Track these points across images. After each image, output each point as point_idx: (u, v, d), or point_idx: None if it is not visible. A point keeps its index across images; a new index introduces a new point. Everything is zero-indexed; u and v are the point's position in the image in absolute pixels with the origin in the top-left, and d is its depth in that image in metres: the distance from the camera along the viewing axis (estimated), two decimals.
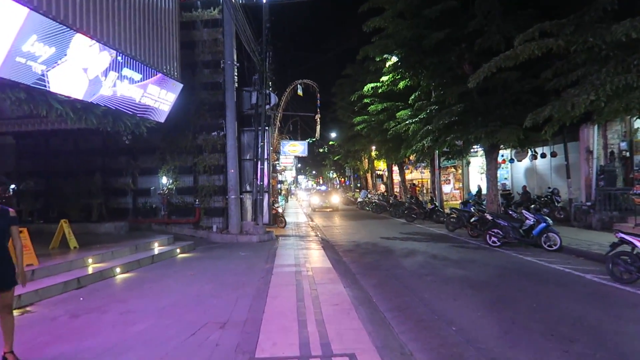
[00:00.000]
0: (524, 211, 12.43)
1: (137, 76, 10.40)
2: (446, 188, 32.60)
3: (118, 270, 8.87)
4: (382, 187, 43.10)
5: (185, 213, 14.86)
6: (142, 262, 9.80)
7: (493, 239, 12.36)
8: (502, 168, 23.09)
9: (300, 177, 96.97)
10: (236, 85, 14.86)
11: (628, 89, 8.90)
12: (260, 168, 14.36)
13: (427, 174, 40.60)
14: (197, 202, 14.69)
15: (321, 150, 72.08)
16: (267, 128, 15.38)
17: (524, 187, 19.99)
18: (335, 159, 50.96)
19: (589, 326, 5.59)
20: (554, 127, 11.05)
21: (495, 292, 7.43)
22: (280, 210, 15.91)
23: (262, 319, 5.69)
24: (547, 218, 11.88)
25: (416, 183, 36.63)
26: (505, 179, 23.01)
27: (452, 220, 16.68)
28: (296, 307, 6.21)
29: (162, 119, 11.98)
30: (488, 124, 15.67)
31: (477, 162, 25.88)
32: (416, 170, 39.18)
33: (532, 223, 12.01)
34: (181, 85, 12.22)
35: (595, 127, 16.73)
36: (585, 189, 17.27)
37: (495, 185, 18.16)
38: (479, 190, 24.96)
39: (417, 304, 6.80)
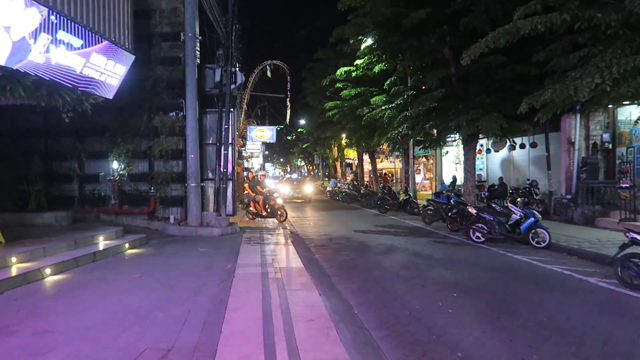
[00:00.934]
0: (509, 205, 11.55)
1: (77, 42, 8.81)
2: (416, 178, 31.83)
3: (48, 271, 7.40)
4: (350, 176, 42.23)
5: (139, 202, 13.33)
6: (81, 261, 8.33)
7: (477, 234, 11.44)
8: (478, 158, 22.37)
9: (268, 165, 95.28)
10: (198, 61, 13.34)
11: (636, 72, 8.02)
12: (224, 153, 12.97)
13: (397, 164, 40.12)
14: (152, 191, 13.18)
15: (289, 137, 70.69)
16: (232, 110, 13.94)
17: (501, 178, 19.27)
18: (304, 146, 49.68)
19: (628, 352, 4.61)
20: (548, 114, 10.14)
21: (493, 300, 6.41)
22: (279, 201, 14.77)
23: (217, 343, 4.44)
24: (536, 212, 11.03)
25: (387, 173, 35.87)
26: (481, 169, 22.33)
27: (429, 212, 15.76)
28: (262, 324, 4.98)
29: (109, 95, 10.42)
30: (469, 112, 14.75)
31: (452, 152, 25.15)
32: (387, 159, 38.48)
33: (518, 218, 11.14)
34: (133, 57, 10.66)
35: (578, 117, 16.07)
36: (565, 182, 16.65)
37: (473, 176, 17.40)
38: (454, 180, 24.27)
39: (408, 317, 5.68)
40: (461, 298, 6.54)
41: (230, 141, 13.79)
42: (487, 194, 20.81)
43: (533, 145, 17.38)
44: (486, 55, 14.40)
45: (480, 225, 11.40)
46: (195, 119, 12.76)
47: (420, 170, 33.22)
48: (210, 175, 13.94)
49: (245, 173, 24.25)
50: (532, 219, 10.76)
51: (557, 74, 11.62)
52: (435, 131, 18.29)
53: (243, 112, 21.36)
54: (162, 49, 13.26)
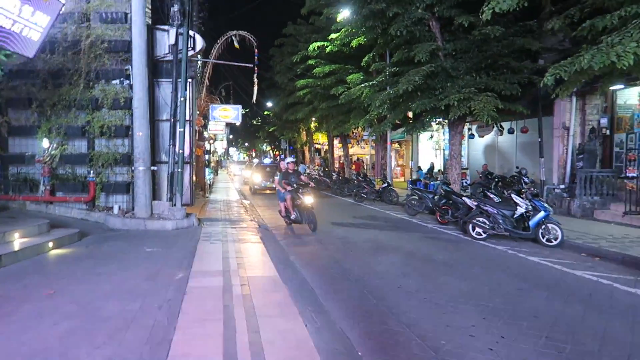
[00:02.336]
0: (514, 196, 10.00)
1: None
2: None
3: None
4: (318, 162, 40.44)
5: (76, 189, 11.07)
6: None
7: (477, 229, 9.86)
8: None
9: (232, 150, 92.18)
10: (149, 21, 11.13)
11: None
12: (180, 131, 10.87)
13: (368, 149, 38.54)
14: (91, 175, 10.95)
15: (255, 121, 68.14)
16: (190, 80, 11.82)
17: (485, 166, 17.92)
18: (270, 130, 47.38)
19: None
20: (568, 90, 8.60)
21: (538, 327, 4.74)
22: (308, 201, 12.63)
23: None
24: (547, 205, 9.53)
25: (360, 158, 34.28)
26: (461, 156, 20.88)
27: (412, 202, 14.14)
28: None
29: (29, 52, 8.16)
30: (460, 90, 13.13)
31: (427, 137, 23.57)
32: (358, 144, 36.85)
33: (524, 211, 9.63)
34: (60, 5, 8.40)
35: (574, 100, 14.75)
36: (558, 170, 15.37)
37: (459, 163, 15.90)
38: (431, 167, 22.88)
39: None
40: (494, 323, 4.86)
41: (187, 117, 11.71)
42: (468, 182, 19.49)
43: (524, 130, 16.00)
44: (482, 26, 12.86)
45: (481, 219, 9.81)
46: (145, 89, 10.57)
47: (391, 156, 31.71)
48: (164, 157, 11.82)
49: (206, 157, 22.05)
50: (543, 212, 9.25)
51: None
52: (410, 114, 16.68)
53: (205, 88, 19.10)
54: (103, 1, 10.91)
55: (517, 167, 16.03)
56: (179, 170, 10.81)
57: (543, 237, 9.22)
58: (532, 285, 6.39)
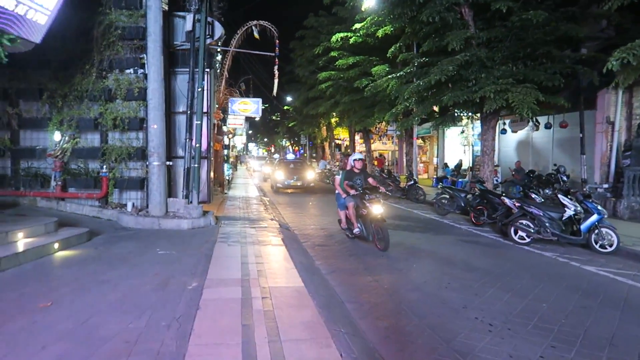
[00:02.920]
0: (561, 197, 9.07)
1: None
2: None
3: None
4: (338, 158, 39.60)
5: (88, 184, 10.48)
6: None
7: (520, 233, 8.95)
8: None
9: (251, 145, 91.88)
10: (165, 7, 10.45)
11: None
12: (197, 124, 10.18)
13: (389, 145, 37.59)
14: (104, 170, 10.35)
15: (274, 117, 67.59)
16: (208, 70, 11.13)
17: (518, 163, 16.89)
18: (289, 125, 46.66)
19: None
20: (629, 78, 7.64)
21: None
22: (377, 211, 11.96)
23: None
24: (600, 208, 8.58)
25: (382, 154, 33.37)
26: (494, 152, 19.79)
27: (443, 201, 13.25)
28: None
29: (35, 37, 7.53)
30: (497, 81, 12.18)
31: (456, 133, 22.53)
32: (379, 140, 35.92)
33: (573, 213, 8.70)
34: None
35: (620, 92, 13.65)
36: (600, 168, 14.32)
37: (491, 160, 14.94)
38: (459, 164, 21.89)
39: None
40: (565, 352, 4.02)
41: (205, 109, 11.03)
42: (499, 180, 18.46)
43: (563, 125, 14.92)
44: (523, 11, 11.87)
45: (525, 222, 8.91)
46: (160, 79, 9.91)
47: (417, 152, 30.67)
48: (180, 152, 11.17)
49: (225, 152, 21.46)
50: (597, 215, 8.31)
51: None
52: (436, 108, 15.72)
53: (224, 80, 18.44)
54: None
55: (554, 165, 14.98)
56: (196, 165, 10.13)
57: (596, 242, 8.29)
58: (599, 302, 5.52)
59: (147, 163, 10.07)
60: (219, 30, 11.31)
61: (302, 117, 37.43)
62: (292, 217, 12.92)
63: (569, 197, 9.07)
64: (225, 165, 21.15)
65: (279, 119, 62.98)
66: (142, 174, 10.60)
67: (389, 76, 15.50)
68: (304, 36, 27.27)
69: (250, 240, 8.51)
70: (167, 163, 10.29)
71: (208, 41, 10.98)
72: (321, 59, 22.79)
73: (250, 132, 73.01)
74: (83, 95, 10.24)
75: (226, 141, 22.75)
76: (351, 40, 19.61)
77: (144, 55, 10.15)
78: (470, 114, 15.55)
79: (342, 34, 20.09)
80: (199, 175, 10.24)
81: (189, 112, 10.18)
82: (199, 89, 10.16)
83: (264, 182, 27.67)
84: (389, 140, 35.97)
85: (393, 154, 37.08)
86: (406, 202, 16.76)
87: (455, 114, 14.48)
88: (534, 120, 15.32)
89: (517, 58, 13.13)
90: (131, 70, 10.30)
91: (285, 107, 45.58)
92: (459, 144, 21.94)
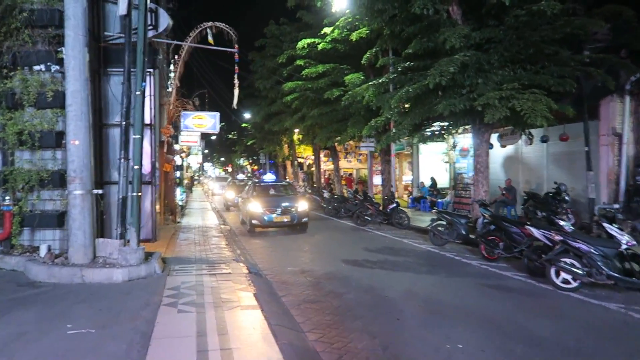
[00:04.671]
0: (608, 226, 7.15)
1: None
2: (377, 179, 27.31)
3: None
4: (301, 177, 37.42)
5: None
6: None
7: (564, 275, 6.93)
8: (471, 156, 18.26)
9: (207, 165, 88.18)
10: None
11: None
12: (135, 139, 7.66)
13: (354, 163, 35.69)
14: (6, 202, 7.62)
15: (231, 135, 64.82)
16: (151, 71, 8.70)
17: (508, 181, 15.21)
18: (248, 143, 44.13)
19: None
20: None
21: None
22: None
23: None
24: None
25: (351, 173, 31.39)
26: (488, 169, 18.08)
27: (439, 229, 11.20)
28: None
29: None
30: (502, 87, 10.38)
31: (433, 149, 20.71)
32: (344, 158, 34.00)
33: (626, 247, 6.79)
34: None
35: (627, 100, 12.18)
36: (607, 186, 12.71)
37: (486, 178, 13.18)
38: (433, 183, 20.15)
39: None
40: None
41: (148, 121, 8.57)
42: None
43: (564, 137, 13.28)
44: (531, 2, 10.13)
45: (569, 261, 6.90)
46: (84, 79, 7.39)
47: (380, 171, 28.79)
48: (116, 176, 8.57)
49: (177, 174, 18.74)
50: None
51: None
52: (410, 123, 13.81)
53: (175, 91, 15.91)
54: None
55: (555, 183, 13.28)
56: (135, 194, 7.58)
57: None
58: None
59: (67, 192, 7.45)
60: (164, 20, 8.89)
61: (263, 134, 35.07)
62: (259, 252, 10.50)
63: (616, 225, 7.19)
64: (178, 189, 18.43)
65: (236, 137, 60.32)
66: (62, 207, 7.94)
67: (368, 83, 13.47)
68: (264, 45, 25.10)
69: (211, 299, 6.04)
70: (96, 191, 7.69)
71: (151, 33, 8.55)
72: (285, 68, 20.65)
73: (206, 150, 69.86)
74: None
75: (179, 161, 20.03)
76: (319, 47, 17.58)
77: (62, 48, 7.59)
78: (462, 126, 13.68)
79: (308, 40, 18.05)
80: (139, 207, 7.68)
81: (123, 123, 7.65)
82: (138, 92, 7.67)
83: (226, 212, 21.58)
84: (354, 158, 34.11)
85: (357, 173, 35.21)
86: (388, 228, 14.64)
87: (446, 127, 12.57)
88: (528, 133, 13.66)
89: (517, 61, 11.42)
90: (42, 67, 7.69)
91: (244, 125, 43.05)
92: (439, 160, 20.16)
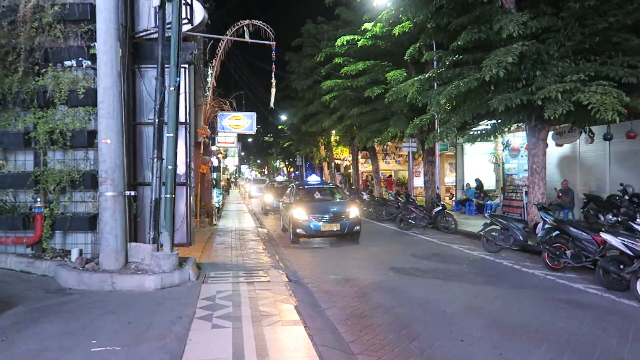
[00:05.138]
0: None
1: None
2: (417, 181, 26.30)
3: None
4: (338, 179, 36.72)
5: (15, 225, 7.38)
6: None
7: None
8: (521, 156, 17.15)
9: (243, 167, 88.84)
10: None
11: None
12: (169, 137, 7.20)
13: (392, 165, 34.67)
14: (38, 204, 7.31)
15: (267, 137, 64.90)
16: (185, 67, 8.24)
17: (565, 182, 14.08)
18: (285, 145, 43.82)
19: None
20: None
21: None
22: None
23: None
24: None
25: (391, 175, 30.50)
26: (525, 170, 16.96)
27: (493, 234, 10.30)
28: None
29: None
30: (566, 78, 9.42)
31: (476, 149, 19.59)
32: (382, 160, 33.08)
33: None
34: None
35: None
36: None
37: (542, 180, 12.14)
38: (479, 184, 19.06)
39: None
40: None
41: (183, 119, 8.11)
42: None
43: (631, 135, 12.11)
44: None
45: None
46: (116, 75, 7.00)
47: (419, 172, 27.73)
48: (150, 177, 8.15)
49: (213, 175, 18.46)
50: None
51: None
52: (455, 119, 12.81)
53: (211, 91, 15.59)
54: None
55: (621, 185, 12.10)
56: (168, 195, 7.11)
57: None
58: None
59: (98, 194, 7.05)
60: (200, 13, 8.42)
61: (299, 136, 34.66)
62: (299, 258, 9.91)
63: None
64: (215, 191, 18.12)
65: (272, 139, 60.26)
66: (94, 209, 7.57)
67: (414, 78, 12.68)
68: (301, 45, 24.66)
69: (248, 312, 5.46)
70: (128, 193, 7.27)
71: (186, 27, 8.10)
72: (323, 67, 20.04)
73: (242, 153, 70.28)
74: (6, 98, 7.25)
75: (215, 162, 19.76)
76: (359, 44, 16.88)
77: (93, 43, 7.22)
78: (515, 123, 12.67)
79: (348, 37, 17.41)
80: (172, 209, 7.21)
81: (156, 120, 7.21)
82: (172, 88, 7.21)
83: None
84: (393, 159, 33.15)
85: (395, 174, 34.20)
86: (434, 232, 13.78)
87: (498, 124, 11.62)
88: (588, 130, 12.54)
89: (579, 51, 10.40)
90: (73, 62, 7.33)
91: (280, 126, 42.79)
92: (485, 161, 19.06)
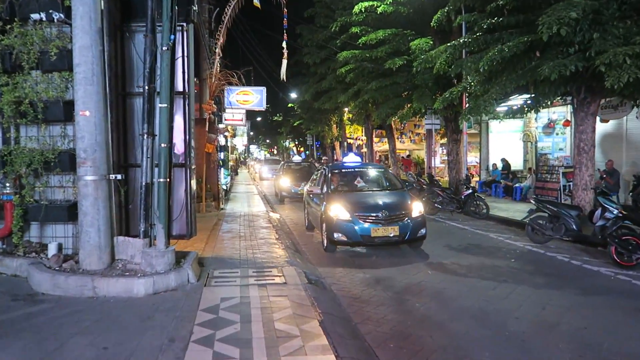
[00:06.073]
0: None
1: None
2: (433, 161, 24.82)
3: None
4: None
5: None
6: None
7: None
8: (557, 134, 15.64)
9: (252, 147, 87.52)
10: None
11: None
12: (161, 108, 5.89)
13: (407, 144, 33.11)
14: (7, 189, 6.08)
15: (276, 116, 63.29)
16: (183, 25, 6.85)
17: (610, 162, 12.66)
18: (295, 124, 42.37)
19: None
20: None
21: None
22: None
23: None
24: None
25: (410, 155, 29.06)
26: (561, 149, 15.53)
27: (540, 222, 8.94)
28: None
29: None
30: (636, 39, 7.95)
31: (502, 127, 18.03)
32: (398, 139, 31.57)
33: None
34: None
35: None
36: None
37: (591, 160, 10.69)
38: (506, 165, 17.63)
39: None
40: None
41: (181, 88, 6.79)
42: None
43: None
44: None
45: None
46: (97, 31, 5.68)
47: (436, 152, 26.17)
48: (141, 157, 6.86)
49: (220, 155, 17.17)
50: None
51: None
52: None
53: (217, 61, 14.18)
54: None
55: None
56: (161, 179, 5.84)
57: None
58: None
59: (76, 178, 5.80)
60: None
61: (310, 114, 33.20)
62: (317, 249, 8.67)
63: None
64: (222, 172, 16.84)
65: (281, 118, 58.64)
66: (74, 196, 6.32)
67: (446, 44, 11.16)
68: (313, 16, 23.01)
69: (261, 332, 4.21)
70: (114, 176, 6.00)
71: None
72: (338, 38, 18.48)
73: (251, 133, 68.91)
74: None
75: (222, 141, 18.46)
76: (379, 10, 15.28)
77: None
78: (561, 96, 11.16)
79: (366, 3, 15.80)
80: (167, 196, 5.95)
81: (146, 87, 5.89)
82: (165, 48, 5.87)
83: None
84: (409, 138, 31.60)
85: (410, 154, 32.68)
86: (463, 217, 12.47)
87: (544, 93, 10.12)
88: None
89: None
90: (42, 15, 5.98)
91: (290, 105, 41.25)
92: (514, 140, 17.56)
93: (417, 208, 8.25)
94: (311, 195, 10.10)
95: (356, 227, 7.78)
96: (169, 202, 6.41)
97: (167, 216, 5.94)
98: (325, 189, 9.08)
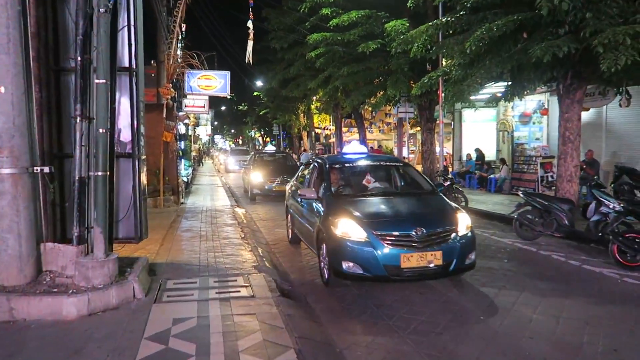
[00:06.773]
0: None
1: None
2: (405, 152, 24.28)
3: None
4: (320, 150, 34.44)
5: None
6: None
7: None
8: (534, 123, 15.16)
9: (217, 137, 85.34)
10: None
11: None
12: (99, 85, 4.79)
13: (376, 134, 32.48)
14: None
15: (241, 106, 61.52)
16: None
17: (590, 152, 12.27)
18: (261, 113, 41.01)
19: None
20: None
21: None
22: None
23: None
24: None
25: (381, 146, 28.39)
26: (537, 139, 15.05)
27: (529, 217, 8.30)
28: None
29: None
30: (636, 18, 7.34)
31: (475, 117, 17.46)
32: (367, 129, 30.88)
33: None
34: None
35: None
36: None
37: (576, 150, 10.20)
38: (480, 155, 17.16)
39: None
40: None
41: (127, 63, 5.68)
42: (554, 177, 13.72)
43: None
44: None
45: None
46: None
47: (404, 142, 25.54)
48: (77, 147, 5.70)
49: (180, 144, 15.91)
50: None
51: None
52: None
53: (175, 39, 12.88)
54: None
55: None
56: (100, 173, 4.76)
57: None
58: None
59: None
60: None
61: (277, 103, 32.04)
62: (288, 247, 7.73)
63: None
64: (183, 162, 15.61)
65: (246, 108, 57.02)
66: None
67: (428, 24, 10.32)
68: None
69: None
70: (40, 169, 4.87)
71: None
72: (308, 21, 17.41)
73: (215, 123, 67.03)
74: None
75: (182, 129, 17.18)
76: None
77: None
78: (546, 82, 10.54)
79: None
80: (107, 193, 4.86)
81: (78, 58, 4.78)
82: (102, 10, 4.76)
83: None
84: (379, 128, 30.98)
85: (377, 144, 32.10)
86: None
87: (530, 78, 9.49)
88: (625, 92, 10.62)
89: None
90: None
91: (256, 93, 39.86)
92: (487, 129, 17.06)
93: (463, 221, 5.58)
94: (299, 199, 7.09)
95: (377, 253, 5.07)
96: (114, 199, 5.36)
97: (107, 217, 4.86)
98: (323, 192, 6.39)
